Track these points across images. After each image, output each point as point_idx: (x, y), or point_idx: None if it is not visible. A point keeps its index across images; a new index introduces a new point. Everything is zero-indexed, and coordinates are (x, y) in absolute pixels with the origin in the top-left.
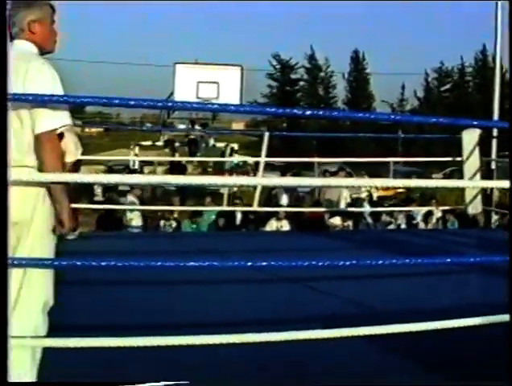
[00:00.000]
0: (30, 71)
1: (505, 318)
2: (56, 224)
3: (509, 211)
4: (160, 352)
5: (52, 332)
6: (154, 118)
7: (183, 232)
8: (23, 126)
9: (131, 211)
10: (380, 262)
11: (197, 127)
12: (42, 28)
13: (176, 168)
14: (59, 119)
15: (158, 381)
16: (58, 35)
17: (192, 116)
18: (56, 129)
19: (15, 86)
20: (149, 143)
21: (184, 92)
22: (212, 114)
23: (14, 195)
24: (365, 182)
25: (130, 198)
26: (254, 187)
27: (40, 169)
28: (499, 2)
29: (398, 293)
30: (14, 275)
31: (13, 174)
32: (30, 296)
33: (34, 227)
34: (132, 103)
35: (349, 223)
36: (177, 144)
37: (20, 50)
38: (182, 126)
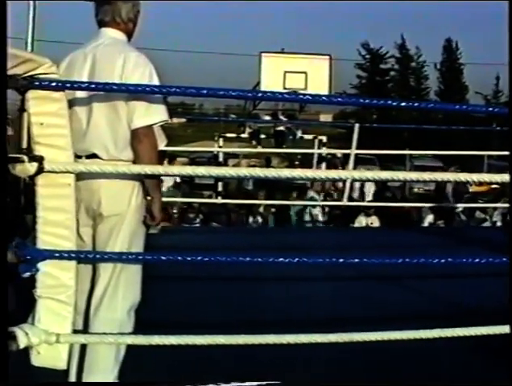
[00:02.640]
0: (127, 63)
1: None
2: (147, 217)
3: (510, 210)
4: (246, 350)
5: (135, 328)
6: (239, 109)
7: (269, 227)
8: (120, 119)
9: (313, 206)
10: (476, 260)
11: (284, 119)
12: (137, 19)
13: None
14: (158, 114)
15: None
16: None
17: (278, 107)
18: (155, 124)
19: (111, 76)
20: (234, 135)
21: (271, 82)
22: (299, 105)
23: (110, 188)
24: (460, 176)
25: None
26: (344, 181)
27: (135, 163)
28: None
29: (489, 292)
30: (103, 270)
31: (109, 167)
32: (118, 291)
33: (127, 221)
34: (221, 93)
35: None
36: (263, 136)
37: (112, 39)
38: (267, 118)
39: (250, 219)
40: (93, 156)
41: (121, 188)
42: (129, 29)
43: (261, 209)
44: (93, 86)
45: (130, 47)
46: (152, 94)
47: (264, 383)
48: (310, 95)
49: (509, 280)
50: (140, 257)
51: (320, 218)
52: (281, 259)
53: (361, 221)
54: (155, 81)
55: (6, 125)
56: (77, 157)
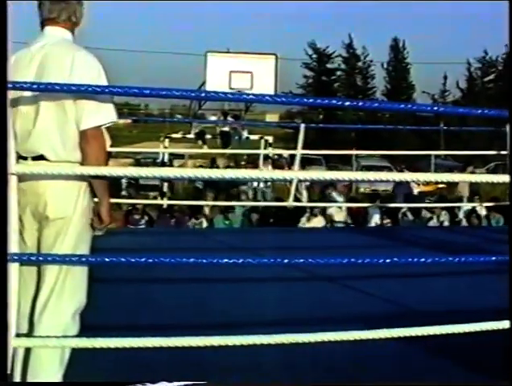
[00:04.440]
0: (76, 62)
1: None
2: (95, 220)
3: (510, 209)
4: (188, 352)
5: (81, 331)
6: (184, 110)
7: (216, 229)
8: (68, 120)
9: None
10: (422, 260)
11: (230, 119)
12: (82, 17)
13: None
14: (106, 114)
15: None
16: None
17: (224, 107)
18: (104, 125)
19: (60, 76)
20: (179, 135)
21: (216, 82)
22: (245, 105)
23: (57, 191)
24: (406, 176)
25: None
26: (290, 182)
27: (83, 164)
28: None
29: (437, 292)
30: (48, 273)
31: (57, 169)
32: (63, 295)
33: (73, 224)
34: (163, 93)
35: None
36: (208, 136)
37: (58, 38)
38: (213, 118)
39: (194, 221)
40: (40, 157)
41: (68, 190)
42: (75, 28)
43: (207, 210)
44: (43, 86)
45: (77, 47)
46: (95, 94)
47: (190, 383)
48: (254, 94)
49: (509, 280)
50: (84, 259)
51: (337, 218)
52: (225, 260)
53: (305, 222)
54: (104, 81)
55: (6, 125)
56: (22, 158)
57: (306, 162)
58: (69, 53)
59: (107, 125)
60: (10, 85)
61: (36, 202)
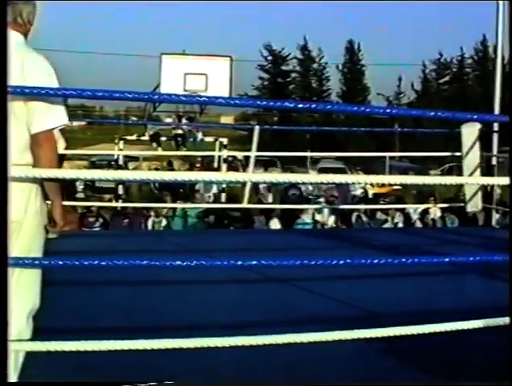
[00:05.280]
0: (26, 64)
1: (505, 320)
2: (48, 223)
3: (510, 209)
4: (144, 355)
5: (35, 335)
6: (139, 111)
7: (170, 230)
8: (18, 122)
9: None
10: (375, 261)
11: (184, 121)
12: (33, 19)
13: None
14: (58, 117)
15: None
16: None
17: (179, 109)
18: (55, 128)
19: (10, 78)
20: (134, 137)
21: (171, 84)
22: (199, 107)
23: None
24: (360, 178)
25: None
26: (244, 184)
27: (35, 167)
28: None
29: (392, 293)
30: None
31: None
32: (16, 297)
33: (25, 227)
34: (116, 95)
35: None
36: (163, 138)
37: (11, 40)
38: (168, 120)
39: (154, 219)
40: None
41: (18, 193)
42: (27, 30)
43: (164, 212)
44: None
45: (28, 48)
46: (48, 96)
47: (153, 383)
48: (208, 97)
49: (509, 280)
50: (37, 262)
51: (329, 222)
52: (178, 262)
53: (262, 223)
54: (55, 83)
55: (6, 125)
56: None
57: (261, 164)
58: (19, 55)
59: (59, 128)
60: None
61: None
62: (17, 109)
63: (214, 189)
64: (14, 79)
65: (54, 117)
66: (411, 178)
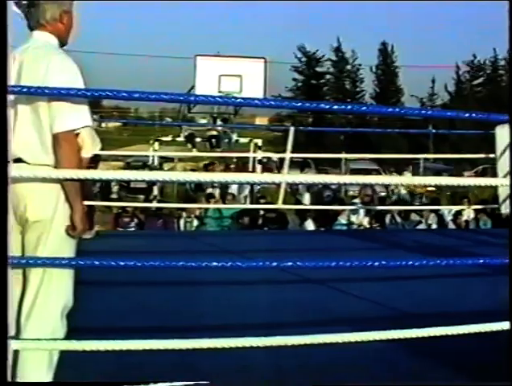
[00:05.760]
0: (51, 66)
1: None
2: (69, 227)
3: (510, 210)
4: (179, 355)
5: (69, 334)
6: (174, 113)
7: (205, 231)
8: (42, 123)
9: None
10: (409, 263)
11: (219, 122)
12: (69, 20)
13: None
14: (80, 119)
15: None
16: (76, 28)
17: (214, 110)
18: (76, 129)
19: (35, 80)
20: (169, 138)
21: (206, 85)
22: (234, 109)
23: (36, 193)
24: (394, 180)
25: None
26: (278, 185)
27: (57, 168)
28: None
29: (426, 295)
30: (33, 275)
31: (35, 172)
32: (48, 297)
33: (55, 226)
34: (153, 97)
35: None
36: (198, 139)
37: (41, 41)
38: (203, 121)
39: (186, 219)
40: (19, 160)
41: (47, 193)
42: (58, 30)
43: (197, 211)
44: (25, 90)
45: (55, 50)
46: (84, 98)
47: (192, 383)
48: (244, 98)
49: (509, 280)
50: (73, 263)
51: (364, 223)
52: (214, 263)
53: (297, 224)
54: (80, 84)
55: (6, 125)
56: None
57: (295, 166)
58: (46, 57)
59: (89, 128)
60: None
61: (17, 205)
62: (41, 110)
63: (247, 190)
64: (39, 80)
65: (75, 118)
66: (444, 179)
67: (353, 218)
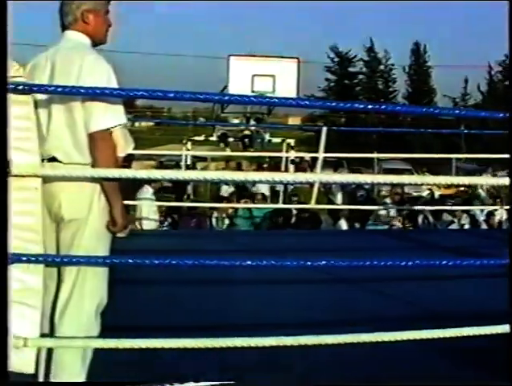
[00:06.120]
0: (84, 65)
1: None
2: (109, 222)
3: (510, 210)
4: (212, 353)
5: (103, 332)
6: (207, 112)
7: (238, 230)
8: (77, 122)
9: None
10: (443, 263)
11: (252, 122)
12: (96, 18)
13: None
14: (115, 117)
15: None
16: (111, 26)
17: (247, 110)
18: (111, 127)
19: (68, 79)
20: (202, 138)
21: (239, 85)
22: (267, 108)
23: (71, 192)
24: (427, 179)
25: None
26: (311, 185)
27: (93, 166)
28: None
29: (459, 294)
30: (68, 273)
31: (69, 171)
32: (83, 296)
33: (90, 225)
34: (187, 96)
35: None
36: (231, 139)
37: (73, 41)
38: (236, 121)
39: (217, 216)
40: (53, 159)
41: (82, 192)
42: (86, 29)
43: (229, 211)
44: (59, 89)
45: (88, 50)
46: (119, 97)
47: (218, 383)
48: (277, 98)
49: (509, 280)
50: (108, 261)
51: (396, 223)
52: (248, 262)
53: (329, 223)
54: (113, 84)
55: (6, 125)
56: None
57: (328, 165)
58: (79, 57)
59: (123, 127)
60: (34, 88)
61: (52, 203)
62: (76, 110)
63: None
64: (72, 80)
65: (110, 116)
66: (478, 179)
67: (384, 218)
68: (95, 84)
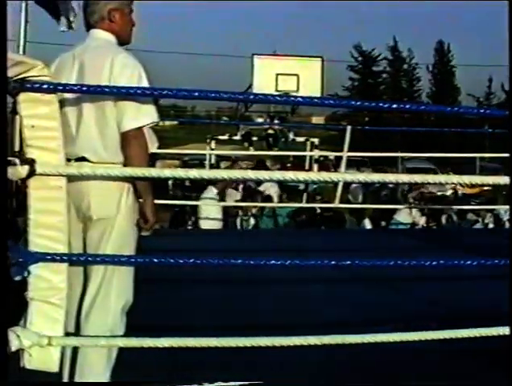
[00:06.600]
0: (116, 64)
1: None
2: (140, 220)
3: (510, 209)
4: (235, 353)
5: (127, 331)
6: (231, 111)
7: (262, 229)
8: (108, 122)
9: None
10: (468, 262)
11: (276, 121)
12: (122, 17)
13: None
14: (147, 115)
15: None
16: (135, 26)
17: (270, 109)
18: (144, 126)
19: (100, 78)
20: (226, 137)
21: (263, 84)
22: (291, 107)
23: (100, 192)
24: (452, 178)
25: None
26: (335, 184)
27: (126, 165)
28: None
29: (483, 294)
30: (94, 273)
31: (101, 170)
32: (109, 295)
33: (118, 224)
34: (212, 95)
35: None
36: (255, 138)
37: (100, 40)
38: (260, 120)
39: (242, 217)
40: (83, 159)
41: (111, 191)
42: (112, 28)
43: (254, 210)
44: (85, 88)
45: (117, 49)
46: (143, 96)
47: (247, 383)
48: (302, 97)
49: (510, 280)
50: (132, 260)
51: (421, 222)
52: (272, 261)
53: (353, 223)
54: (144, 83)
55: (6, 125)
56: (67, 160)
57: (352, 164)
58: (108, 55)
59: (149, 126)
60: (59, 87)
61: (80, 203)
62: (107, 109)
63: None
64: (104, 79)
65: (143, 115)
66: (502, 178)
67: (405, 217)
68: (127, 82)
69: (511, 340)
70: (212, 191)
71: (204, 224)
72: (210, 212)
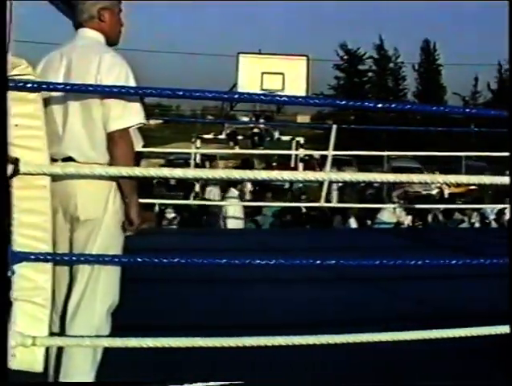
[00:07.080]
0: (103, 64)
1: None
2: (125, 221)
3: (510, 209)
4: (219, 353)
5: (112, 331)
6: (216, 110)
7: (247, 229)
8: (95, 121)
9: None
10: (452, 262)
11: (262, 120)
12: (111, 17)
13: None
14: (134, 116)
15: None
16: (123, 26)
17: (256, 108)
18: (131, 126)
19: (86, 77)
20: (211, 136)
21: (248, 83)
22: (276, 107)
23: (87, 192)
24: (437, 178)
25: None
26: (321, 183)
27: (111, 165)
28: None
29: (468, 294)
30: (80, 274)
31: (85, 170)
32: (95, 295)
33: (105, 225)
34: (197, 94)
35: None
36: (240, 137)
37: (88, 39)
38: (245, 119)
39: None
40: (69, 159)
41: (98, 191)
42: (101, 28)
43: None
44: (69, 87)
45: (105, 48)
46: (128, 95)
47: (227, 383)
48: (286, 96)
49: (510, 280)
50: (117, 260)
51: (406, 221)
52: (257, 261)
53: (339, 222)
54: (131, 82)
55: (6, 125)
56: (53, 160)
57: (337, 163)
58: (96, 54)
59: (136, 127)
60: (43, 86)
61: (67, 203)
62: (94, 108)
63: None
64: (91, 79)
65: (130, 115)
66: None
67: (390, 216)
68: (114, 81)
69: (511, 340)
70: (233, 192)
71: (230, 223)
72: (235, 212)
